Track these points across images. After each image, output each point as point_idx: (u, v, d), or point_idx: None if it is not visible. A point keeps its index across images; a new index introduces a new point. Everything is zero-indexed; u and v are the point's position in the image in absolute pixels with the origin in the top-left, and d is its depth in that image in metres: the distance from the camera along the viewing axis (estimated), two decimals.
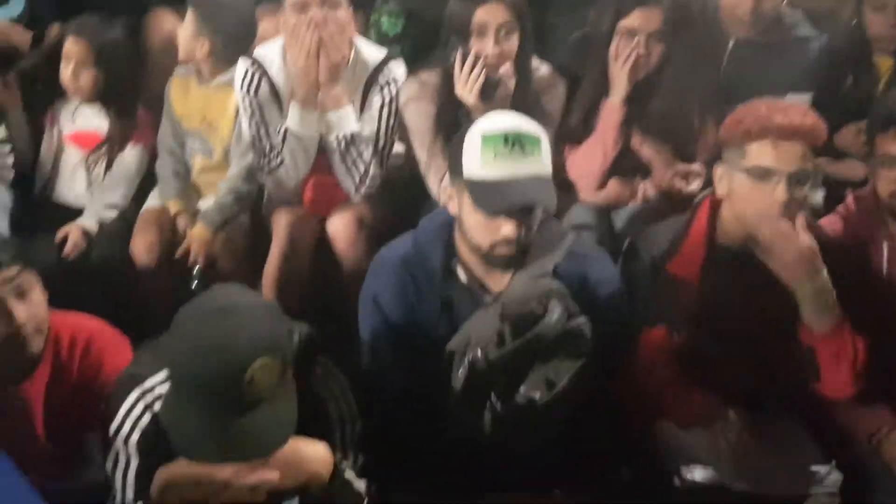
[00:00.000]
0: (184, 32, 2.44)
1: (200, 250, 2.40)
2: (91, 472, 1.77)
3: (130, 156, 2.57)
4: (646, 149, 2.36)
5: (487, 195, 1.60)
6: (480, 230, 1.64)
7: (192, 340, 1.34)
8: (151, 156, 2.60)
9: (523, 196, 1.60)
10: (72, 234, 2.46)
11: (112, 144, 2.55)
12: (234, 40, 2.40)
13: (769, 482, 1.77)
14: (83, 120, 2.58)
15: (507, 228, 1.61)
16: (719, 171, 1.81)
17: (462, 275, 1.74)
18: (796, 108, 1.74)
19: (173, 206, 2.51)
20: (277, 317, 1.43)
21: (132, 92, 2.59)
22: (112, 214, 2.53)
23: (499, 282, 1.71)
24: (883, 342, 1.87)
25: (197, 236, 2.41)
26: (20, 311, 1.70)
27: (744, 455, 1.77)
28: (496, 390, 1.60)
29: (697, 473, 1.79)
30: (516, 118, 1.67)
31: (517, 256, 1.67)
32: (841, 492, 1.79)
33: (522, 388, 1.59)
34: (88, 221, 2.50)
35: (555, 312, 1.60)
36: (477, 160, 1.61)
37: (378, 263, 1.80)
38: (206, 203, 2.51)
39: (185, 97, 2.53)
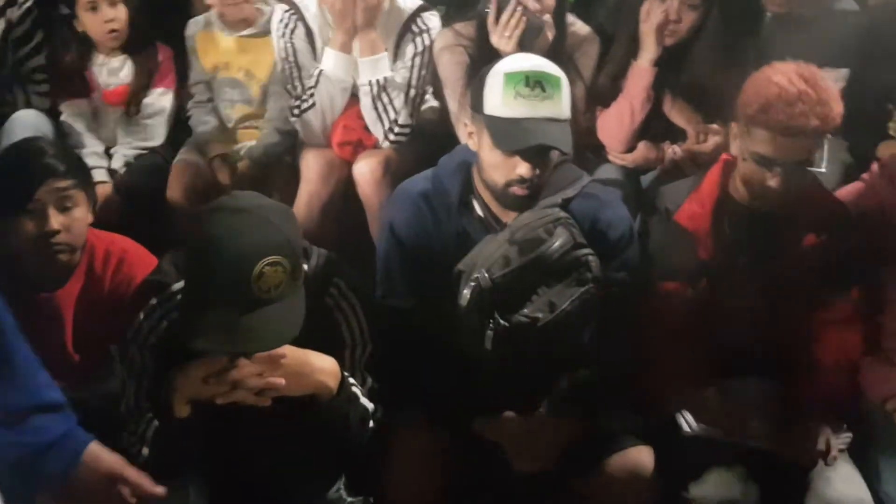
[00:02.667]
0: None
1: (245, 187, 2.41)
2: (112, 385, 1.83)
3: (156, 97, 2.60)
4: (676, 114, 2.37)
5: (506, 133, 1.63)
6: (497, 168, 1.67)
7: (207, 234, 1.39)
8: (177, 98, 2.64)
9: (541, 137, 1.63)
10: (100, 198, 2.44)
11: (138, 89, 2.59)
12: None
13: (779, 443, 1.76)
14: (112, 76, 2.61)
15: (523, 168, 1.64)
16: (734, 129, 1.80)
17: (478, 209, 1.77)
18: (805, 101, 1.63)
19: (212, 150, 2.53)
20: (293, 222, 1.48)
21: (150, 30, 2.61)
22: (140, 152, 2.56)
23: (512, 218, 1.73)
24: None
25: (242, 173, 2.47)
26: (57, 219, 1.76)
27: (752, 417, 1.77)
28: (499, 310, 1.64)
29: (705, 430, 1.78)
30: (539, 59, 1.71)
31: (530, 197, 1.70)
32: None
33: (526, 310, 1.63)
34: (116, 163, 2.54)
35: (559, 238, 1.64)
36: (498, 98, 1.64)
37: (397, 194, 1.85)
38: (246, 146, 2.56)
39: (215, 49, 2.56)
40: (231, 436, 1.59)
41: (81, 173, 1.86)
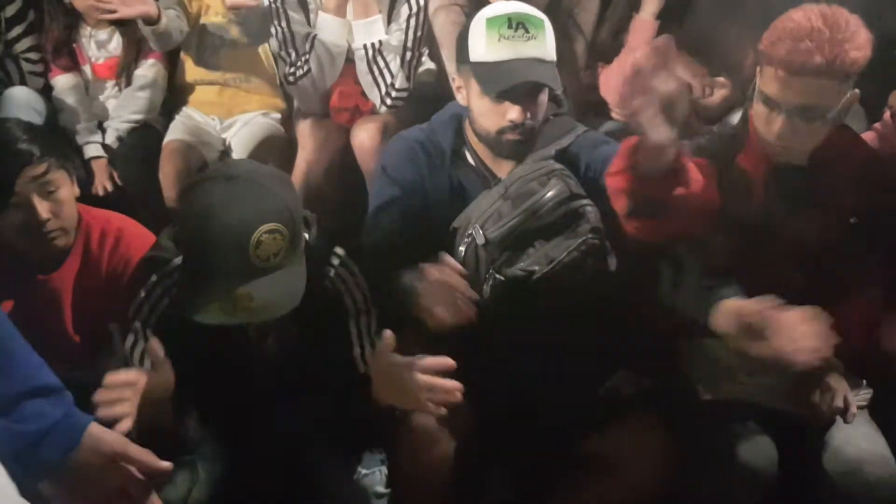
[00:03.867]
0: None
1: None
2: (114, 364, 1.81)
3: (147, 69, 2.57)
4: (681, 68, 2.31)
5: (492, 76, 1.61)
6: (488, 116, 1.66)
7: (200, 204, 1.35)
8: (166, 67, 2.62)
9: (527, 74, 1.60)
10: (97, 173, 2.47)
11: (128, 61, 2.56)
12: None
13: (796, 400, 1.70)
14: (101, 49, 2.58)
15: (513, 112, 1.62)
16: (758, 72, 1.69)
17: (471, 159, 1.75)
18: (814, 38, 1.49)
19: None
20: (290, 188, 1.44)
21: None
22: (133, 125, 2.53)
23: (505, 171, 1.72)
24: None
25: None
26: (44, 207, 1.71)
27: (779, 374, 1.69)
28: (495, 264, 1.62)
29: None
30: (521, 4, 1.68)
31: (524, 144, 1.68)
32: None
33: (522, 263, 1.62)
34: (109, 138, 2.52)
35: (552, 189, 1.63)
36: (482, 43, 1.63)
37: (392, 142, 1.84)
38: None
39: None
40: (237, 415, 1.57)
41: (56, 151, 1.78)
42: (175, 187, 2.36)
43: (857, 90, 1.57)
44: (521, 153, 1.68)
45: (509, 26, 1.61)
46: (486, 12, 1.66)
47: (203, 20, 2.54)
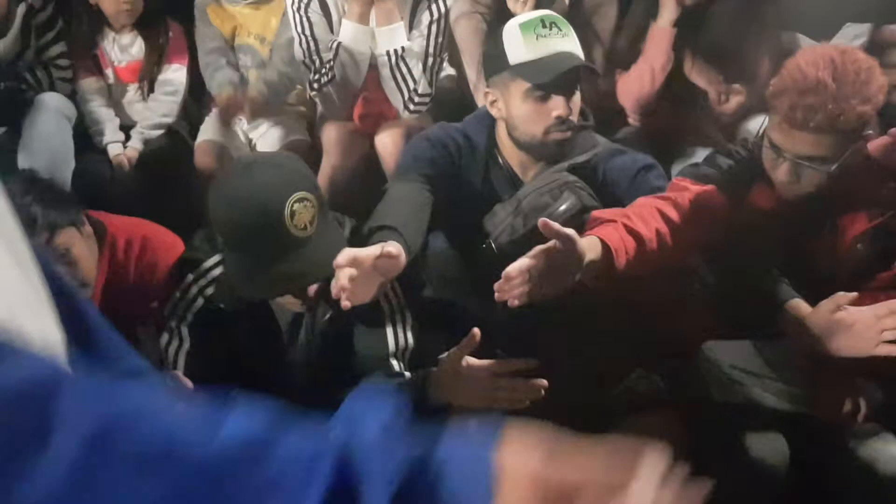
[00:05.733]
0: None
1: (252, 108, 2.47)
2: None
3: (170, 74, 2.61)
4: (697, 75, 2.34)
5: (540, 70, 1.64)
6: (532, 119, 1.68)
7: (228, 198, 1.40)
8: (189, 73, 2.64)
9: (575, 61, 1.65)
10: (115, 159, 2.52)
11: (150, 66, 2.59)
12: None
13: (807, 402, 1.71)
14: (123, 53, 2.62)
15: (560, 106, 1.65)
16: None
17: (501, 161, 1.79)
18: (818, 93, 1.42)
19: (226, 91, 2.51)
20: (300, 162, 1.50)
21: (161, 7, 2.62)
22: (159, 132, 2.58)
23: (531, 177, 1.76)
24: None
25: (256, 100, 2.48)
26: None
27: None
28: None
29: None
30: (546, 10, 1.74)
31: (569, 142, 1.70)
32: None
33: None
34: (134, 143, 2.56)
35: (565, 202, 1.65)
36: (521, 46, 1.66)
37: (428, 131, 1.87)
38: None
39: (223, 18, 2.58)
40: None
41: (56, 208, 1.66)
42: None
43: (870, 132, 1.51)
44: (565, 154, 1.72)
45: (544, 25, 1.66)
46: (516, 20, 1.70)
47: (237, 42, 2.58)
